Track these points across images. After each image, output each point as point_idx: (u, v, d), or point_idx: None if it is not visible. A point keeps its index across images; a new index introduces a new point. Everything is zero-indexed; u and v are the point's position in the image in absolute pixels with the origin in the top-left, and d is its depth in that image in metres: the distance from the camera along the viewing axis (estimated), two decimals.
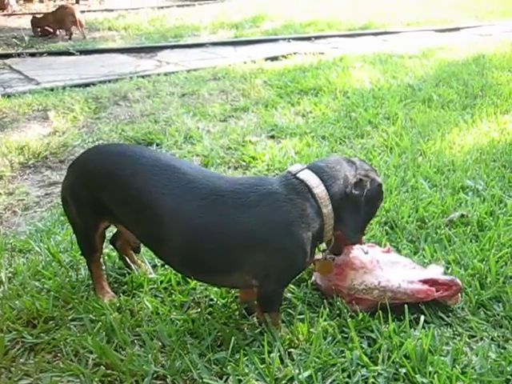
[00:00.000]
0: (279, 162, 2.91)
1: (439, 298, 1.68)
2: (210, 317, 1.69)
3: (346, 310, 1.67)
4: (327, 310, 1.67)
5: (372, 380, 1.41)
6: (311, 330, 1.58)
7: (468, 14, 10.43)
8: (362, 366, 1.46)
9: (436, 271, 1.77)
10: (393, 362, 1.46)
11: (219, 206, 1.49)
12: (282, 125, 3.59)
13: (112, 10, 11.34)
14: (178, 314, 1.70)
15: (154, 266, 1.97)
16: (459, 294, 1.72)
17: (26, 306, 1.73)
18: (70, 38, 8.16)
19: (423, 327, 1.59)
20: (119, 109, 4.13)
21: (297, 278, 1.70)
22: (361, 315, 1.63)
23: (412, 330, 1.57)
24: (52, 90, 4.61)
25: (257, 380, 1.41)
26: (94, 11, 11.31)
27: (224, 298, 1.77)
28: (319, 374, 1.43)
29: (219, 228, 1.49)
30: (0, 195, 2.70)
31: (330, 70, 4.99)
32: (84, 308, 1.73)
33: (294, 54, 6.04)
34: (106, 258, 1.99)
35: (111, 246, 1.98)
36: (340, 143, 3.25)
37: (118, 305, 1.75)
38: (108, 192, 1.63)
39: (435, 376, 1.40)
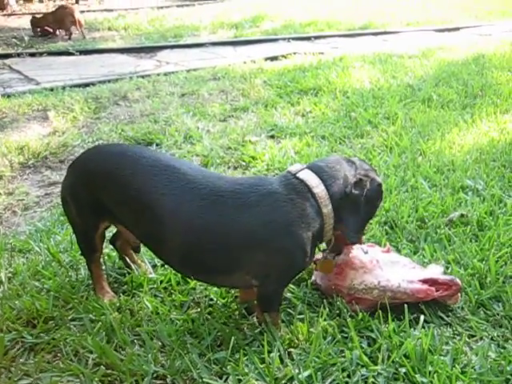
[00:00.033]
0: (279, 162, 2.92)
1: (439, 297, 1.69)
2: (209, 316, 1.69)
3: (345, 310, 1.67)
4: (327, 309, 1.67)
5: (372, 380, 1.41)
6: (311, 329, 1.58)
7: (468, 14, 10.43)
8: (362, 366, 1.46)
9: (436, 271, 1.77)
10: (392, 361, 1.47)
11: (219, 206, 1.49)
12: (282, 125, 3.59)
13: (112, 10, 11.34)
14: (178, 313, 1.70)
15: (154, 266, 1.97)
16: (459, 294, 1.72)
17: (25, 305, 1.73)
18: (69, 38, 8.16)
19: (423, 327, 1.60)
20: (119, 109, 4.13)
21: (297, 277, 1.70)
22: (360, 315, 1.63)
23: (412, 329, 1.57)
24: (52, 90, 4.61)
25: (257, 380, 1.41)
26: (94, 11, 11.30)
27: (224, 298, 1.77)
28: (319, 373, 1.43)
29: (219, 228, 1.49)
30: (0, 195, 2.70)
31: (330, 70, 4.99)
32: (84, 308, 1.73)
33: (294, 53, 6.05)
34: (105, 257, 1.99)
35: (111, 246, 1.98)
36: (340, 143, 3.25)
37: (117, 305, 1.75)
38: (108, 192, 1.63)
39: (435, 376, 1.40)
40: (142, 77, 5.11)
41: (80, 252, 1.87)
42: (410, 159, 2.87)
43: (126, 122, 3.77)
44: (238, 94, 4.44)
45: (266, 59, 5.81)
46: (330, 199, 1.55)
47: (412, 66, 5.19)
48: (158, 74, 5.22)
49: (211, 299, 1.78)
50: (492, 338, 1.60)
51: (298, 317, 1.65)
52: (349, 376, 1.43)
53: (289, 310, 1.71)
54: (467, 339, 1.59)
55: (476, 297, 1.75)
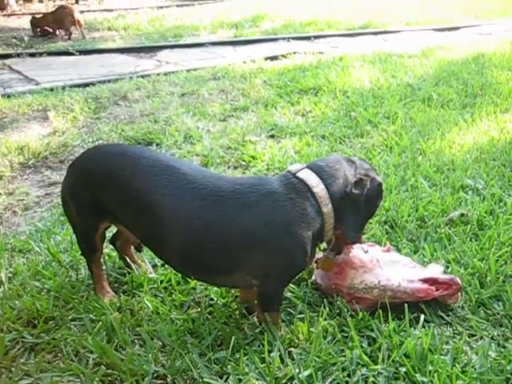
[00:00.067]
0: (279, 162, 2.92)
1: (439, 297, 1.69)
2: (210, 316, 1.69)
3: (345, 309, 1.67)
4: (327, 309, 1.67)
5: (372, 379, 1.41)
6: (311, 329, 1.58)
7: (467, 14, 10.43)
8: (362, 365, 1.46)
9: (436, 270, 1.77)
10: (393, 361, 1.47)
11: (219, 206, 1.49)
12: (282, 124, 3.59)
13: (111, 10, 11.34)
14: (178, 313, 1.70)
15: (154, 266, 1.97)
16: (459, 293, 1.72)
17: (26, 306, 1.73)
18: (69, 38, 8.16)
19: (423, 326, 1.60)
20: (119, 109, 4.13)
21: (297, 277, 1.70)
22: (361, 314, 1.64)
23: (412, 329, 1.58)
24: (52, 90, 4.61)
25: (257, 379, 1.41)
26: (94, 11, 11.31)
27: (224, 298, 1.77)
28: (319, 373, 1.43)
29: (219, 228, 1.49)
30: (0, 195, 2.70)
31: (330, 70, 4.99)
32: (84, 308, 1.73)
33: (294, 53, 6.04)
34: (106, 257, 1.99)
35: (111, 246, 1.98)
36: (340, 142, 3.25)
37: (118, 304, 1.75)
38: (108, 192, 1.63)
39: (435, 375, 1.40)
40: (142, 77, 5.11)
41: (80, 252, 1.87)
42: (410, 158, 2.87)
43: (126, 122, 3.77)
44: (238, 93, 4.44)
45: (266, 59, 5.81)
46: (330, 198, 1.55)
47: (412, 66, 5.19)
48: (158, 74, 5.22)
49: (211, 299, 1.78)
50: (492, 338, 1.60)
51: (299, 316, 1.65)
52: (349, 375, 1.43)
53: (289, 309, 1.71)
54: (467, 338, 1.59)
55: (476, 296, 1.75)
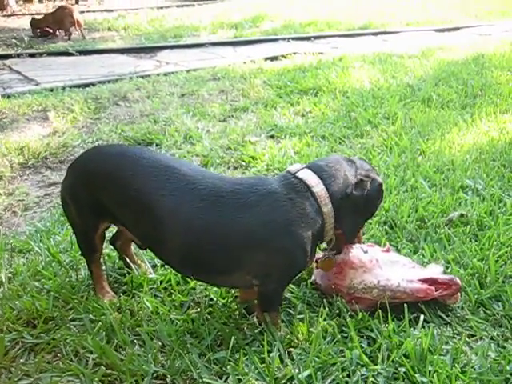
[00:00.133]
0: (279, 162, 2.92)
1: (439, 297, 1.69)
2: (209, 316, 1.69)
3: (345, 310, 1.67)
4: (327, 309, 1.67)
5: (372, 379, 1.41)
6: (311, 329, 1.58)
7: (467, 14, 10.43)
8: (362, 366, 1.46)
9: (435, 270, 1.77)
10: (392, 361, 1.47)
11: (219, 207, 1.49)
12: (282, 125, 3.59)
13: (111, 11, 11.35)
14: (178, 313, 1.70)
15: (154, 266, 1.97)
16: (459, 294, 1.72)
17: (25, 306, 1.73)
18: (69, 39, 8.17)
19: (423, 326, 1.60)
20: (119, 109, 4.13)
21: (297, 277, 1.71)
22: (360, 314, 1.64)
23: (411, 329, 1.58)
24: (52, 90, 4.61)
25: (256, 379, 1.41)
26: (94, 11, 11.32)
27: (224, 298, 1.77)
28: (319, 373, 1.43)
29: (219, 228, 1.49)
30: (0, 195, 2.70)
31: (330, 70, 4.99)
32: (84, 308, 1.73)
33: (294, 53, 6.05)
34: (106, 258, 1.99)
35: (111, 246, 1.98)
36: (339, 143, 3.25)
37: (117, 305, 1.75)
38: (108, 193, 1.63)
39: (435, 375, 1.40)
40: (142, 77, 5.12)
41: (80, 252, 1.87)
42: (410, 159, 2.87)
43: (126, 123, 3.77)
44: (238, 94, 4.44)
45: (266, 59, 5.82)
46: (329, 198, 1.55)
47: (412, 66, 5.19)
48: (158, 75, 5.22)
49: (211, 299, 1.78)
50: (492, 338, 1.60)
51: (298, 317, 1.65)
52: (348, 376, 1.43)
53: (289, 309, 1.71)
54: (467, 339, 1.59)
55: (476, 296, 1.75)
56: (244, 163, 3.00)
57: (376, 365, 1.46)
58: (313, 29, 8.68)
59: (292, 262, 1.54)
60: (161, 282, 1.86)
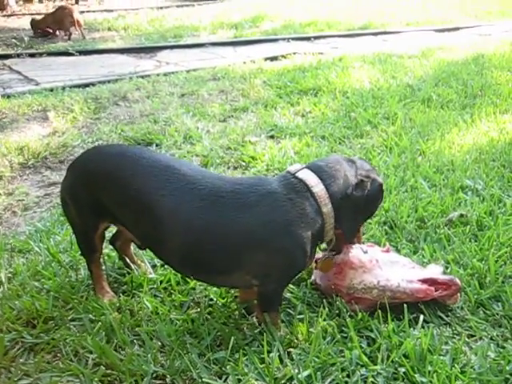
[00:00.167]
0: (279, 162, 2.92)
1: (438, 297, 1.69)
2: (209, 316, 1.69)
3: (345, 310, 1.67)
4: (326, 309, 1.67)
5: (371, 379, 1.41)
6: (310, 329, 1.59)
7: (467, 14, 10.43)
8: (362, 366, 1.46)
9: (435, 271, 1.77)
10: (392, 361, 1.47)
11: (219, 207, 1.49)
12: (282, 125, 3.59)
13: (111, 11, 11.34)
14: (178, 313, 1.71)
15: (154, 266, 1.97)
16: (458, 294, 1.72)
17: (25, 306, 1.73)
18: (69, 39, 8.16)
19: (422, 327, 1.60)
20: (119, 109, 4.13)
21: (296, 277, 1.71)
22: (360, 315, 1.64)
23: (411, 329, 1.58)
24: (51, 90, 4.61)
25: (256, 380, 1.41)
26: (94, 11, 11.31)
27: (223, 298, 1.77)
28: (318, 373, 1.43)
29: (219, 228, 1.49)
30: (0, 195, 2.70)
31: (330, 70, 4.99)
32: (84, 308, 1.73)
33: (294, 54, 6.05)
34: (105, 258, 1.99)
35: (111, 246, 1.98)
36: (339, 143, 3.25)
37: (117, 305, 1.75)
38: (107, 193, 1.63)
39: (434, 375, 1.40)
40: (142, 77, 5.11)
41: (80, 252, 1.87)
42: (410, 159, 2.87)
43: (126, 123, 3.77)
44: (238, 94, 4.44)
45: (266, 59, 5.82)
46: (329, 198, 1.55)
47: (412, 66, 5.19)
48: (158, 75, 5.22)
49: (211, 299, 1.78)
50: (491, 338, 1.60)
51: (298, 317, 1.65)
52: (348, 376, 1.43)
53: (288, 309, 1.71)
54: (467, 339, 1.59)
55: (475, 296, 1.75)
56: (244, 163, 3.00)
57: (376, 365, 1.46)
58: (313, 29, 8.67)
59: (292, 262, 1.54)
60: (161, 282, 1.86)
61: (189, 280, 1.83)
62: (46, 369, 1.51)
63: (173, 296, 1.79)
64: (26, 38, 7.91)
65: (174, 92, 4.52)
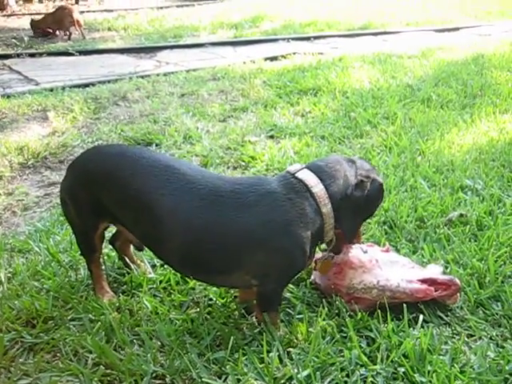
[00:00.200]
0: (278, 162, 2.92)
1: (438, 297, 1.69)
2: (209, 316, 1.69)
3: (344, 310, 1.67)
4: (326, 309, 1.67)
5: (371, 379, 1.41)
6: (310, 329, 1.59)
7: (467, 14, 10.43)
8: (361, 366, 1.46)
9: (435, 271, 1.77)
10: (391, 361, 1.47)
11: (218, 206, 1.49)
12: (282, 125, 3.59)
13: (111, 11, 11.34)
14: (177, 313, 1.71)
15: (153, 266, 1.97)
16: (458, 294, 1.72)
17: (25, 305, 1.73)
18: (69, 39, 8.16)
19: (422, 326, 1.60)
20: (118, 109, 4.13)
21: (296, 277, 1.71)
22: (360, 314, 1.64)
23: (411, 329, 1.58)
24: (51, 90, 4.61)
25: (256, 379, 1.41)
26: (94, 11, 11.31)
27: (223, 298, 1.78)
28: (318, 373, 1.43)
29: (218, 228, 1.49)
30: (0, 195, 2.71)
31: (330, 70, 4.99)
32: (83, 308, 1.73)
33: (294, 54, 6.05)
34: (105, 257, 1.99)
35: (111, 246, 1.98)
36: (339, 143, 3.25)
37: (117, 304, 1.75)
38: (107, 193, 1.63)
39: (434, 375, 1.40)
40: (142, 77, 5.11)
41: (79, 252, 1.87)
42: (410, 159, 2.87)
43: (126, 123, 3.77)
44: (238, 94, 4.44)
45: (266, 59, 5.82)
46: (329, 199, 1.55)
47: (411, 66, 5.19)
48: (158, 75, 5.22)
49: (210, 299, 1.78)
50: (491, 338, 1.60)
51: (297, 316, 1.65)
52: (348, 375, 1.44)
53: (288, 309, 1.71)
54: (466, 339, 1.59)
55: (475, 296, 1.75)
56: (244, 163, 3.00)
57: (375, 365, 1.46)
58: (312, 29, 8.67)
59: (291, 262, 1.54)
60: (160, 281, 1.86)
61: (188, 280, 1.83)
62: (46, 368, 1.51)
63: (172, 296, 1.79)
64: (25, 38, 7.91)
65: (174, 92, 4.52)
